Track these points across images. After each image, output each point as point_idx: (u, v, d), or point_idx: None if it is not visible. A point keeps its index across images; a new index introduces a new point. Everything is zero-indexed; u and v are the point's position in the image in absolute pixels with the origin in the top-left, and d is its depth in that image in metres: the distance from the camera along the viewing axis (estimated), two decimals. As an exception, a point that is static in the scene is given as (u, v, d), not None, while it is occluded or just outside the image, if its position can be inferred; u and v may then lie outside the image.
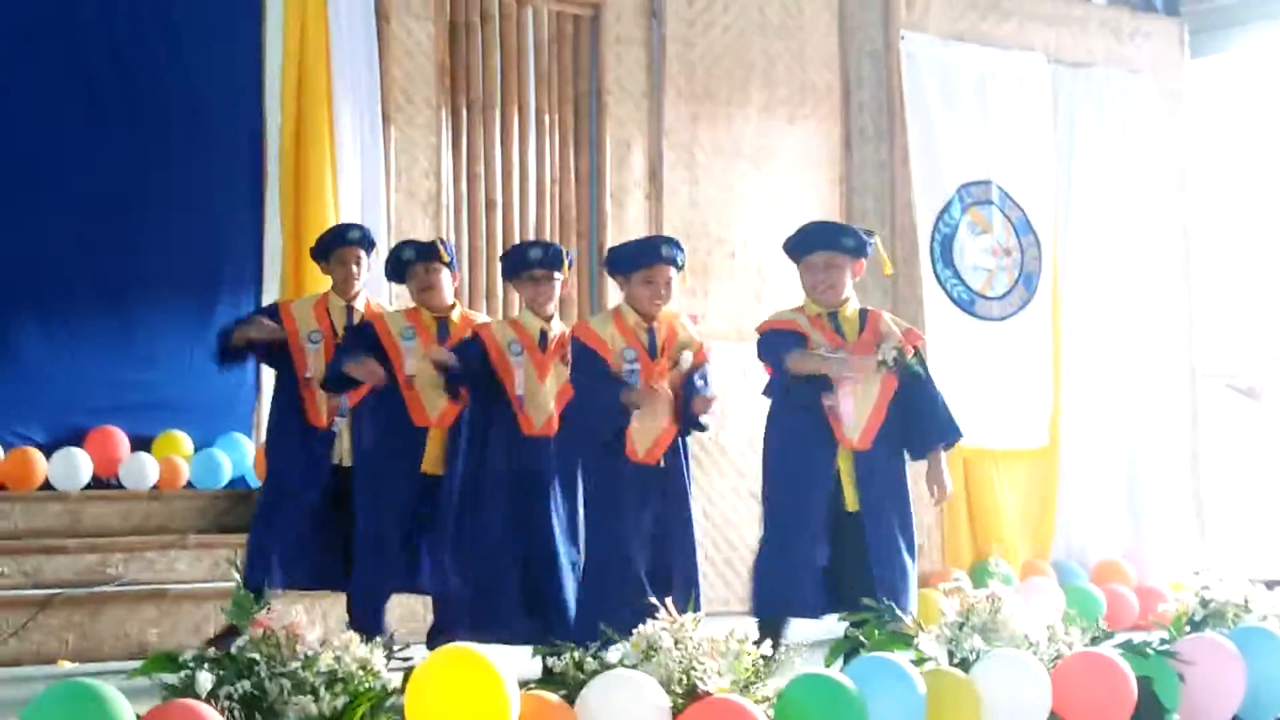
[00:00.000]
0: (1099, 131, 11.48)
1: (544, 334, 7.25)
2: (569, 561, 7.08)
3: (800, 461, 6.83)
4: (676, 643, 4.96)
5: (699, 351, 7.09)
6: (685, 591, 6.65)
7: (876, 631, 5.71)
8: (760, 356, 7.14)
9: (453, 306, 7.74)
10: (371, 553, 7.48)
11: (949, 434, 7.14)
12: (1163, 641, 6.14)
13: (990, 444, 10.66)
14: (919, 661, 5.55)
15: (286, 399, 7.83)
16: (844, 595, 6.63)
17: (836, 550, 6.80)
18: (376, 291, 8.45)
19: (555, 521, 7.11)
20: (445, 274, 7.69)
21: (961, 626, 5.71)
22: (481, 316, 8.01)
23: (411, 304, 7.80)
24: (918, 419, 7.04)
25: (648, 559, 6.83)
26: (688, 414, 6.95)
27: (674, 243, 7.12)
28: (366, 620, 7.09)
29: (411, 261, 7.69)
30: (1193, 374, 11.85)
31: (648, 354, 6.93)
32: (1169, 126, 11.88)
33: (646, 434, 6.90)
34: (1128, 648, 5.94)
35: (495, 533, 7.07)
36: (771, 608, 6.88)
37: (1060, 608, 6.28)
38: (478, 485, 7.17)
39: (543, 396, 7.19)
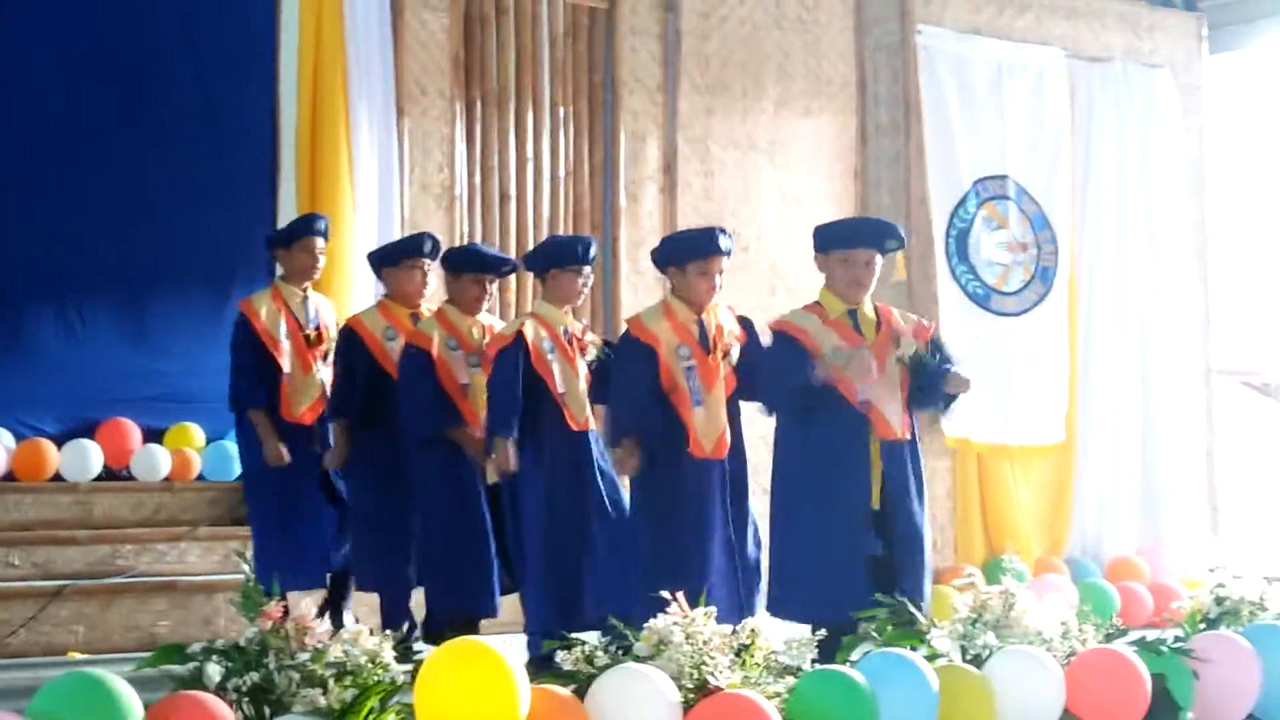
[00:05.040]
0: (1116, 126, 11.43)
1: (566, 329, 7.24)
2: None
3: (840, 460, 6.68)
4: (688, 637, 4.93)
5: (741, 335, 7.06)
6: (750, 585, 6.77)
7: (889, 627, 5.67)
8: (766, 396, 6.95)
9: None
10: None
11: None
12: (1177, 639, 6.11)
13: (1006, 440, 10.63)
14: (931, 657, 5.52)
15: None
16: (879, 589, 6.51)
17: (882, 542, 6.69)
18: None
19: (609, 511, 7.15)
20: None
21: (975, 623, 5.69)
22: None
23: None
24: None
25: (708, 552, 6.82)
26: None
27: (727, 233, 7.09)
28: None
29: (429, 256, 7.77)
30: (1208, 371, 11.81)
31: (701, 349, 6.90)
32: (1186, 122, 11.83)
33: (710, 432, 6.87)
34: (1142, 645, 5.91)
35: (556, 532, 7.07)
36: (835, 613, 6.66)
37: (1074, 604, 6.25)
38: (532, 485, 7.16)
39: (580, 391, 7.18)
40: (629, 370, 6.96)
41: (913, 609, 5.76)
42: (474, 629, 7.25)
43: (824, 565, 6.51)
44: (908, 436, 6.68)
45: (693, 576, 6.50)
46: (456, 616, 7.35)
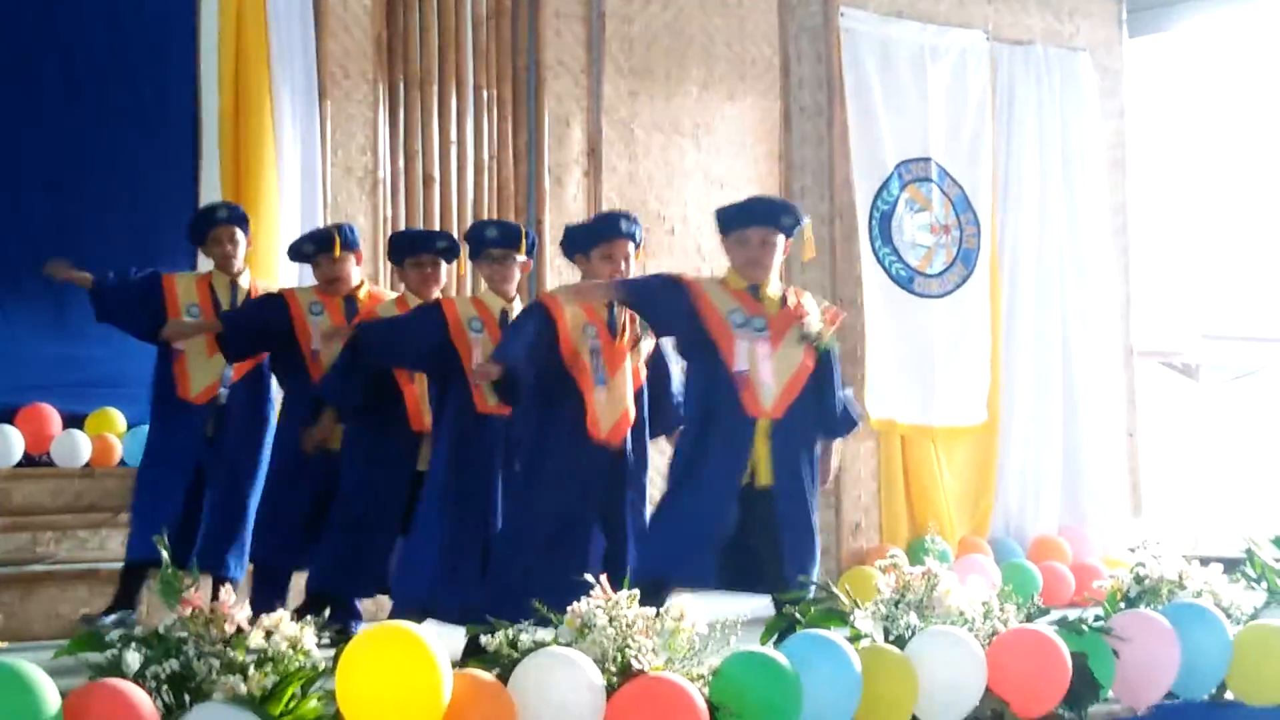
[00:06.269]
0: (1037, 109, 11.50)
1: (504, 313, 7.19)
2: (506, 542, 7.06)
3: (716, 431, 6.70)
4: (611, 620, 4.93)
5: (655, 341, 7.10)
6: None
7: (811, 608, 5.69)
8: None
9: (359, 286, 7.82)
10: (270, 532, 7.57)
11: (838, 428, 7.01)
12: (1098, 618, 6.16)
13: (929, 421, 10.69)
14: (854, 638, 5.55)
15: (163, 370, 7.86)
16: (750, 570, 6.57)
17: (745, 524, 6.67)
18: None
19: (500, 502, 7.08)
20: (349, 260, 7.80)
21: (897, 604, 5.71)
22: (388, 294, 8.01)
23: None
24: (818, 407, 6.88)
25: (599, 539, 6.81)
26: (658, 418, 7.04)
27: (632, 218, 7.08)
28: (267, 599, 7.02)
29: (311, 255, 7.78)
30: (1129, 352, 11.90)
31: (608, 331, 6.89)
32: (1107, 105, 11.92)
33: (609, 414, 6.86)
34: (1063, 624, 5.96)
35: (445, 511, 7.03)
36: (660, 570, 6.56)
37: (997, 585, 6.29)
38: (433, 463, 7.13)
39: None
40: (523, 322, 6.91)
41: (835, 589, 5.78)
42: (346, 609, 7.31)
43: (677, 529, 6.53)
44: (780, 415, 6.65)
45: (574, 553, 6.57)
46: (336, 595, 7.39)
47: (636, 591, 5.08)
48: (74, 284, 7.88)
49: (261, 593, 7.35)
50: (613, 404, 6.85)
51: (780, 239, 6.78)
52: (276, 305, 7.72)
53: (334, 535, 7.36)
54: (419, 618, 6.21)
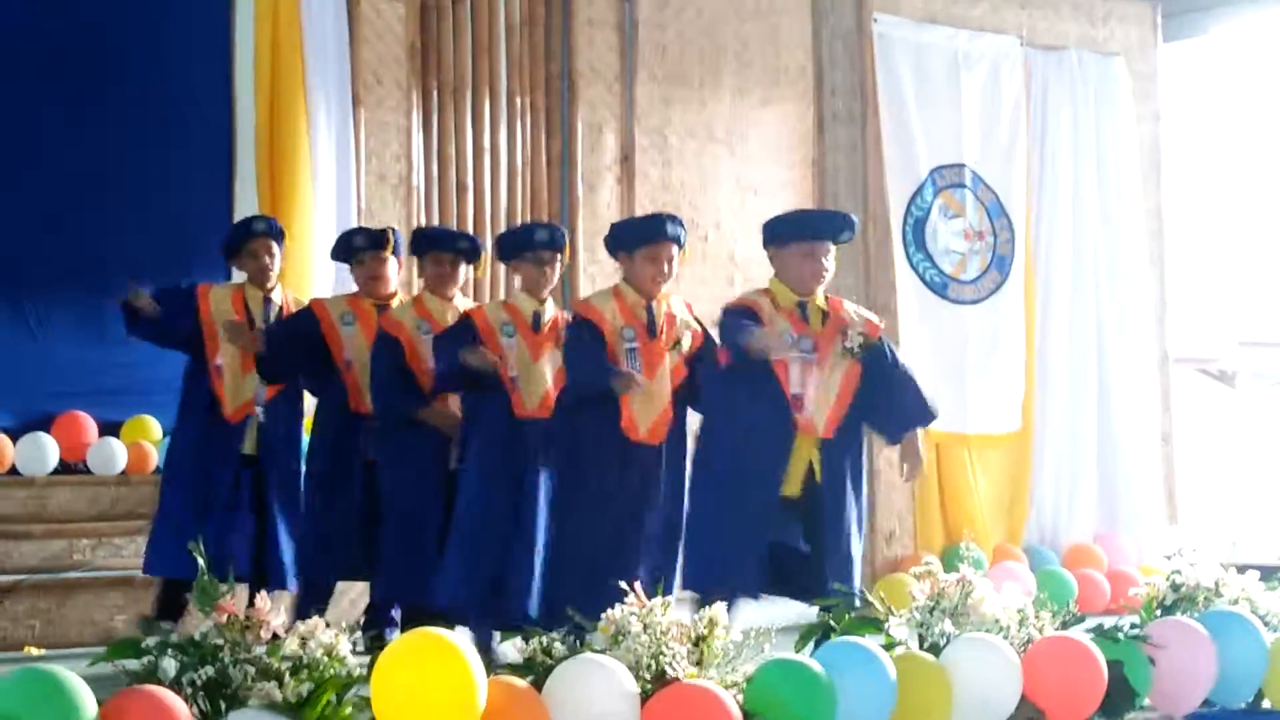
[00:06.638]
0: (1072, 115, 11.47)
1: (538, 315, 7.21)
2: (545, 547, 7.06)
3: (759, 446, 6.71)
4: (645, 628, 4.93)
5: (697, 335, 7.07)
6: (663, 573, 6.70)
7: (847, 616, 5.68)
8: (721, 339, 7.02)
9: (394, 295, 7.82)
10: (316, 545, 7.54)
11: (923, 417, 7.07)
12: (1134, 625, 6.13)
13: (963, 428, 10.65)
14: (889, 646, 5.54)
15: (194, 386, 7.80)
16: (794, 579, 6.60)
17: (790, 534, 6.69)
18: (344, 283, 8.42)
19: (540, 506, 7.06)
20: (392, 263, 7.82)
21: (932, 611, 5.70)
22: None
23: (352, 290, 7.92)
24: (889, 403, 6.95)
25: (634, 539, 6.82)
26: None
27: (678, 221, 7.10)
28: (309, 612, 7.02)
29: (361, 249, 7.76)
30: (1165, 358, 11.85)
31: (646, 333, 6.90)
32: (1141, 109, 11.87)
33: (647, 413, 6.87)
34: (1099, 632, 5.94)
35: (482, 514, 7.03)
36: (714, 584, 6.69)
37: (1032, 592, 6.27)
38: (469, 467, 7.15)
39: (537, 377, 7.13)
40: (579, 341, 6.94)
41: (870, 597, 5.78)
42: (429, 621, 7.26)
43: (722, 541, 6.57)
44: (832, 435, 6.68)
45: (616, 553, 6.61)
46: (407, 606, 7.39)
47: (671, 599, 5.08)
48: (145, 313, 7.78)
49: (305, 605, 7.35)
50: (651, 405, 6.87)
51: (833, 251, 6.83)
52: (306, 317, 7.73)
53: (390, 542, 7.37)
54: (454, 624, 6.23)
